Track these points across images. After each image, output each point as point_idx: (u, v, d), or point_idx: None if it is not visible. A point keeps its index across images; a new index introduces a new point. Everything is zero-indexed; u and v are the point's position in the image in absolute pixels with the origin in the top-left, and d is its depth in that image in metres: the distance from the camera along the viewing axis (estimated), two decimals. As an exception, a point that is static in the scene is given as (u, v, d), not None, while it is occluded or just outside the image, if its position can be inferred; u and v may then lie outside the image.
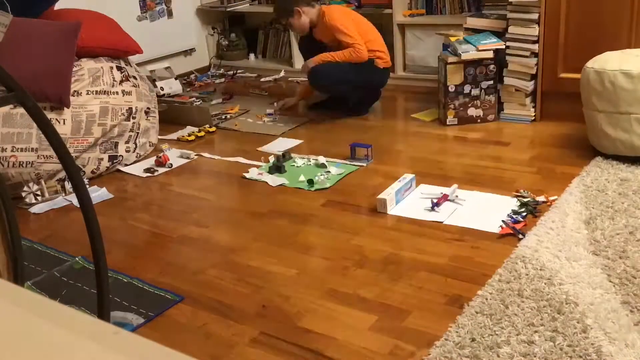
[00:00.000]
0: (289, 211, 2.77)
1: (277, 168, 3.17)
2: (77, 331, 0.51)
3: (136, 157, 3.45)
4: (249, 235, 2.58)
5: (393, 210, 2.67)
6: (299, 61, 5.07)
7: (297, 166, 3.22)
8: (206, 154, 3.52)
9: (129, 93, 3.36)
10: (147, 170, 3.34)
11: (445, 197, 2.68)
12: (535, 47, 3.39)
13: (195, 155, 3.51)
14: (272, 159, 3.29)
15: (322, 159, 3.22)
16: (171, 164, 3.37)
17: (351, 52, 3.69)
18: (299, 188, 2.98)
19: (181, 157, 3.50)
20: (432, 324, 1.90)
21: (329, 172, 3.11)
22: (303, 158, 3.31)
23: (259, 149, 3.53)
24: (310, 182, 2.99)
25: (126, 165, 3.40)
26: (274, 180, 3.08)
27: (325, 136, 3.66)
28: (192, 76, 5.19)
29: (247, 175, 3.17)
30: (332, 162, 3.23)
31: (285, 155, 3.29)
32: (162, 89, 4.28)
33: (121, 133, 3.32)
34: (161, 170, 3.35)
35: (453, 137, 3.48)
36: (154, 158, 3.42)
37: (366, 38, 3.79)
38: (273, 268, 2.32)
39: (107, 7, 3.99)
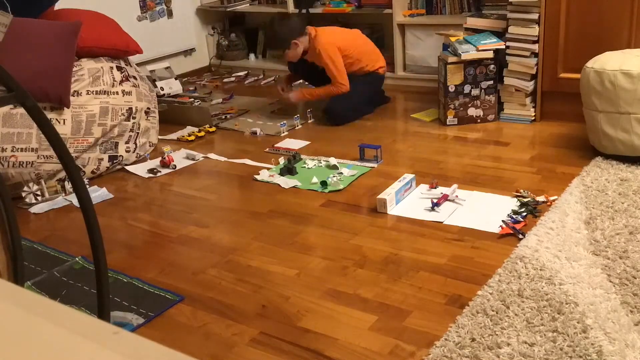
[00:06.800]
0: (289, 211, 2.77)
1: (288, 170, 3.13)
2: (77, 331, 0.51)
3: (136, 157, 3.45)
4: (249, 235, 2.58)
5: (393, 210, 2.67)
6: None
7: (308, 168, 3.19)
8: (212, 156, 3.50)
9: (129, 93, 3.36)
10: (150, 170, 3.34)
11: (445, 197, 2.68)
12: (535, 47, 3.39)
13: (202, 156, 3.49)
14: (282, 160, 3.27)
15: (333, 160, 3.19)
16: (175, 165, 3.36)
17: (332, 89, 3.79)
18: (312, 190, 2.94)
19: (187, 158, 3.48)
20: (432, 324, 1.91)
21: (341, 173, 3.08)
22: (313, 159, 3.28)
23: (267, 150, 3.51)
24: (324, 183, 2.96)
25: (126, 165, 3.39)
26: (286, 182, 3.03)
27: (327, 136, 3.66)
28: (194, 77, 5.19)
29: (258, 177, 3.13)
30: (343, 163, 3.20)
31: (296, 157, 3.27)
32: (162, 89, 4.28)
33: (121, 133, 3.32)
34: (164, 171, 3.34)
35: (453, 137, 3.48)
36: (159, 159, 3.41)
37: (360, 53, 3.86)
38: (273, 268, 2.32)
39: (107, 7, 3.99)
